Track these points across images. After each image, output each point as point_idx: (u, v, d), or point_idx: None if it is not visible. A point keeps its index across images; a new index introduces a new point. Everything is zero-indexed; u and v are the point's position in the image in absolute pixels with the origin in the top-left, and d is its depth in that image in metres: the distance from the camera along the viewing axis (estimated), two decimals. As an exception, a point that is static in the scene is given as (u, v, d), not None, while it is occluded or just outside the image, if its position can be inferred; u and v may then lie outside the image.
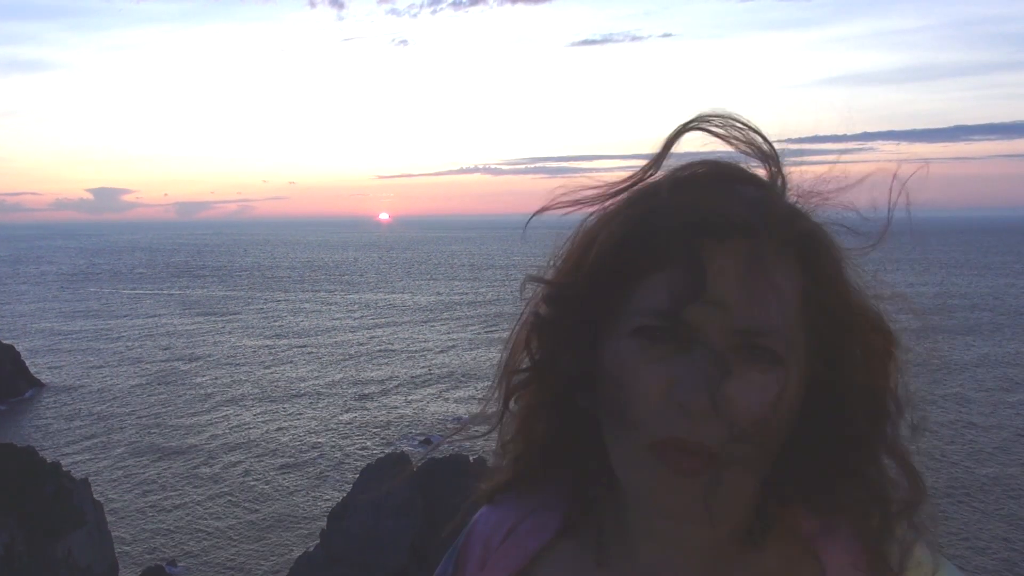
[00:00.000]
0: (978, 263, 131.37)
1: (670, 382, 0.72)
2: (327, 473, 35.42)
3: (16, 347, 51.40)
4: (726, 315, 0.72)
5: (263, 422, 43.24)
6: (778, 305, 0.73)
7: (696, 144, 0.81)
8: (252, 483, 34.42)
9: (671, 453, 0.73)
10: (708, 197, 0.76)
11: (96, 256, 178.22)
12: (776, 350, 0.73)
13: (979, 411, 42.22)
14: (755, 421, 0.72)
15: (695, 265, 0.72)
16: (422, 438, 38.96)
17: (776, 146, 0.80)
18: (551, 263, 0.85)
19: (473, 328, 69.70)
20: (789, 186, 0.80)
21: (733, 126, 0.80)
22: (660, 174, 0.81)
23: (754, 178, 0.80)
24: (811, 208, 0.80)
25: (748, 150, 0.81)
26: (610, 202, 0.82)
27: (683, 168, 0.80)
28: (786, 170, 0.81)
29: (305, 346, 64.26)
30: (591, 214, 0.83)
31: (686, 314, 0.72)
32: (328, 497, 31.34)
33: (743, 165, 0.80)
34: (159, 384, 51.51)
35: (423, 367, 55.88)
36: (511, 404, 0.89)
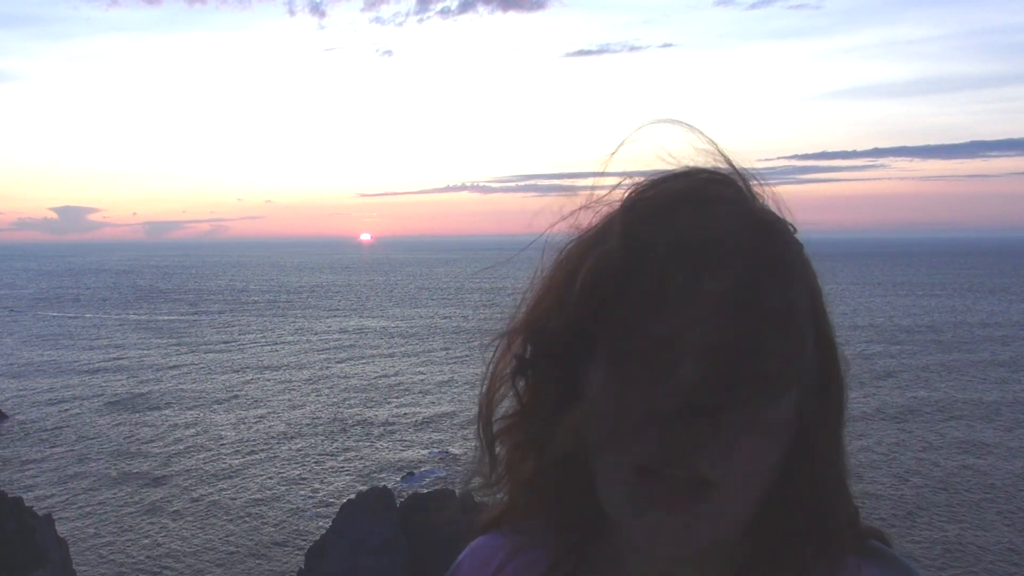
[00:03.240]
0: (989, 286, 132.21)
1: (653, 405, 0.73)
2: (304, 509, 35.46)
3: (-26, 376, 51.35)
4: (708, 336, 0.73)
5: (236, 455, 43.23)
6: (761, 325, 0.74)
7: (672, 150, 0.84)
8: (225, 520, 34.43)
9: (658, 483, 0.74)
10: (684, 220, 0.77)
11: (60, 279, 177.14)
12: (764, 371, 0.74)
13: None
14: (744, 445, 0.73)
15: (673, 289, 0.74)
16: (405, 472, 39.17)
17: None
18: (529, 302, 0.88)
19: (459, 357, 69.86)
20: (764, 203, 0.82)
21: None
22: (632, 193, 0.83)
23: (729, 197, 0.81)
24: (788, 226, 0.82)
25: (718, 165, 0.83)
26: (584, 232, 0.85)
27: (655, 189, 0.82)
28: (760, 188, 0.83)
29: (280, 376, 64.17)
30: (564, 248, 0.86)
31: (667, 336, 0.73)
32: (306, 534, 31.40)
33: (718, 181, 0.82)
34: (126, 416, 51.39)
35: (405, 398, 55.96)
36: (496, 446, 0.92)
